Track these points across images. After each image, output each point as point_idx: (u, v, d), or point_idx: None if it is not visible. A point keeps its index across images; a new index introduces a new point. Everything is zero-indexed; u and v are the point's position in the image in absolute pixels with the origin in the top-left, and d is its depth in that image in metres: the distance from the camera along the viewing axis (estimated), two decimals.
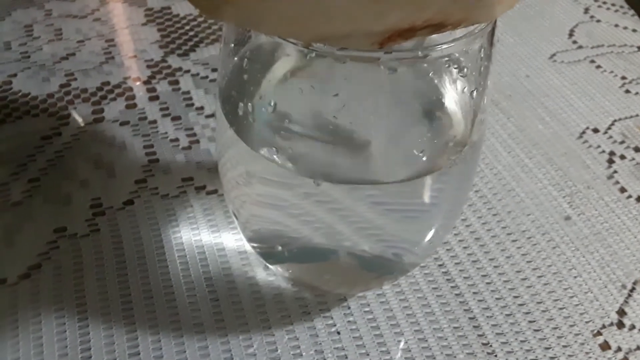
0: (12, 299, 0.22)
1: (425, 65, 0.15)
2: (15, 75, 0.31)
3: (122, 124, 0.29)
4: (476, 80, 0.16)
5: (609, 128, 0.31)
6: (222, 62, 0.17)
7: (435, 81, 0.16)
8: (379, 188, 0.17)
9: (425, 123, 0.18)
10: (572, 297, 0.23)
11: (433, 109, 0.18)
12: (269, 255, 0.21)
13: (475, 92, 0.16)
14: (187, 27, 0.35)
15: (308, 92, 0.15)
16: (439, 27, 0.13)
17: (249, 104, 0.16)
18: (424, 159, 0.16)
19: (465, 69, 0.16)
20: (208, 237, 0.24)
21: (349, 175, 0.16)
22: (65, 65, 0.32)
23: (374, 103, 0.16)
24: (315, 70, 0.15)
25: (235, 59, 0.17)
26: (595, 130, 0.31)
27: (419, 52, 0.13)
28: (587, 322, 0.23)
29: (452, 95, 0.17)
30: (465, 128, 0.17)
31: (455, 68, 0.16)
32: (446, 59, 0.16)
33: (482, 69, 0.16)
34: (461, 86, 0.16)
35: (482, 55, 0.16)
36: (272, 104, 0.15)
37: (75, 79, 0.31)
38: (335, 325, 0.22)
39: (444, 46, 0.14)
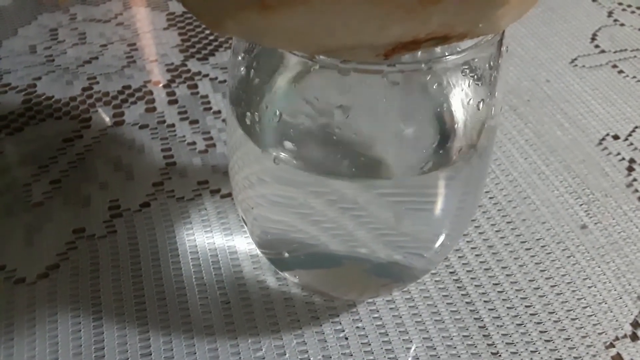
0: (30, 297, 0.23)
1: (432, 75, 0.15)
2: (39, 78, 0.32)
3: (142, 127, 0.30)
4: (485, 90, 0.16)
5: (630, 135, 0.30)
6: (231, 67, 0.17)
7: (443, 89, 0.16)
8: (387, 185, 0.17)
9: (432, 126, 0.18)
10: (585, 307, 0.23)
11: (440, 113, 0.17)
12: (277, 261, 0.22)
13: (482, 102, 0.16)
14: (207, 32, 0.35)
15: (313, 103, 0.16)
16: (443, 40, 0.13)
17: (255, 113, 0.16)
18: (432, 158, 0.16)
19: (472, 80, 0.16)
20: (221, 240, 0.25)
21: (357, 172, 0.16)
22: (88, 69, 0.33)
23: (380, 108, 0.16)
24: (321, 79, 0.16)
25: (243, 65, 0.17)
26: (616, 137, 0.30)
27: (423, 65, 0.13)
28: (599, 334, 0.22)
29: (460, 102, 0.17)
30: (474, 134, 0.17)
31: (463, 76, 0.16)
32: (455, 67, 0.16)
33: (491, 78, 0.16)
34: (469, 96, 0.16)
35: (490, 65, 0.16)
36: (277, 113, 0.16)
37: (98, 83, 0.32)
38: (343, 331, 0.22)
39: (449, 58, 0.14)
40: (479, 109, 0.16)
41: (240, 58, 0.17)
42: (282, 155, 0.16)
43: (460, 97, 0.16)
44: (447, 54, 0.14)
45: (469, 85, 0.16)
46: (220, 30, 0.12)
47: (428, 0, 0.10)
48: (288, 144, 0.16)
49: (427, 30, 0.13)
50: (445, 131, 0.17)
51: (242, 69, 0.17)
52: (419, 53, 0.16)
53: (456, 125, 0.17)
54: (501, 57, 0.16)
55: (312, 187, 0.17)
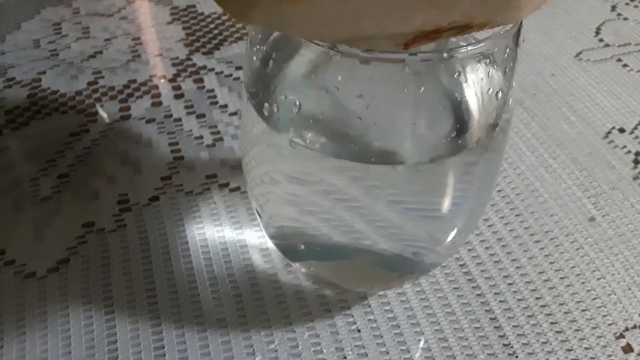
0: (41, 292, 0.23)
1: (451, 64, 0.15)
2: (44, 72, 0.32)
3: (148, 121, 0.29)
4: (502, 79, 0.16)
5: (636, 128, 0.30)
6: (248, 59, 0.17)
7: (461, 77, 0.16)
8: (404, 168, 0.17)
9: (450, 114, 0.18)
10: (595, 299, 0.23)
11: (458, 101, 0.17)
12: (290, 252, 0.22)
13: (500, 92, 0.16)
14: (212, 26, 0.35)
15: (333, 92, 0.16)
16: (464, 29, 0.13)
17: (274, 103, 0.16)
18: (447, 146, 0.16)
19: (491, 69, 0.16)
20: (231, 234, 0.25)
21: (375, 158, 0.16)
22: (92, 63, 0.32)
23: (399, 96, 0.16)
24: (340, 68, 0.15)
25: (259, 56, 0.17)
26: (622, 130, 0.30)
27: (444, 54, 0.13)
28: (609, 325, 0.22)
29: (477, 91, 0.17)
30: (489, 124, 0.17)
31: (481, 66, 0.16)
32: (474, 57, 0.16)
33: (507, 69, 0.16)
34: (486, 85, 0.16)
35: (507, 55, 0.16)
36: (297, 103, 0.16)
37: (103, 77, 0.32)
38: (355, 323, 0.22)
39: (469, 47, 0.14)
40: (497, 99, 0.16)
41: (256, 49, 0.17)
42: (301, 141, 0.16)
43: (479, 87, 0.16)
44: (466, 44, 0.14)
45: (488, 75, 0.16)
46: (245, 20, 0.12)
47: None
48: (307, 132, 0.16)
49: (449, 20, 0.13)
50: (462, 120, 0.17)
51: (258, 60, 0.17)
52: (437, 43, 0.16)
53: (473, 115, 0.17)
54: (518, 47, 0.16)
55: (328, 176, 0.17)
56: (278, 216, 0.20)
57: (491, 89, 0.16)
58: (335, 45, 0.14)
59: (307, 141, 0.16)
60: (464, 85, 0.16)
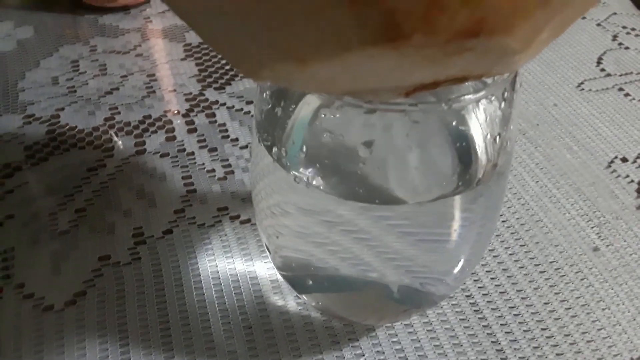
0: (59, 325, 0.23)
1: (450, 112, 0.16)
2: (62, 109, 0.33)
3: (163, 155, 0.31)
4: (500, 122, 0.17)
5: (638, 157, 0.31)
6: (257, 103, 0.18)
7: (461, 124, 0.17)
8: (408, 208, 0.18)
9: (450, 157, 0.18)
10: (600, 329, 0.24)
11: (458, 145, 0.18)
12: (298, 284, 0.22)
13: (498, 136, 0.17)
14: (223, 62, 0.37)
15: (337, 138, 0.16)
16: (461, 80, 0.14)
17: (282, 148, 0.17)
18: (449, 186, 0.17)
19: (489, 114, 0.17)
20: (241, 266, 0.26)
21: (379, 199, 0.17)
22: (109, 100, 0.34)
23: (401, 142, 0.17)
24: (344, 115, 0.16)
25: (268, 102, 0.18)
26: (624, 160, 0.31)
27: (442, 105, 0.14)
28: (615, 356, 0.23)
29: (477, 134, 0.18)
30: (489, 164, 0.18)
31: (480, 111, 0.17)
32: (472, 104, 0.16)
33: (504, 113, 0.17)
34: (486, 129, 0.17)
35: (505, 99, 0.17)
36: (304, 149, 0.16)
37: (119, 113, 0.33)
38: (363, 355, 0.23)
39: (467, 97, 0.15)
40: (495, 142, 0.17)
41: (265, 95, 0.18)
42: (307, 181, 0.17)
43: (478, 130, 0.17)
44: (464, 93, 0.15)
45: (485, 120, 0.16)
46: (255, 78, 0.13)
47: (453, 52, 0.11)
48: (313, 174, 0.17)
49: (447, 74, 0.14)
50: (463, 161, 0.17)
51: (267, 104, 0.18)
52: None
53: (473, 156, 0.17)
54: (515, 92, 0.17)
55: (337, 214, 0.18)
56: (285, 248, 0.21)
57: (490, 132, 0.17)
58: (339, 96, 0.14)
59: (314, 182, 0.17)
60: (464, 129, 0.17)
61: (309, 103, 0.17)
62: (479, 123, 0.17)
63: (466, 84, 0.17)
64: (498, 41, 0.10)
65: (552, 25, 0.11)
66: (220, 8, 0.11)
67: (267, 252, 0.23)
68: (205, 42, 0.13)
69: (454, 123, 0.17)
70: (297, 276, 0.22)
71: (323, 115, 0.17)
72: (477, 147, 0.17)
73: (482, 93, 0.15)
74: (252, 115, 0.33)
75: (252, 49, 0.12)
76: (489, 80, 0.15)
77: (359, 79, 0.13)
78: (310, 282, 0.21)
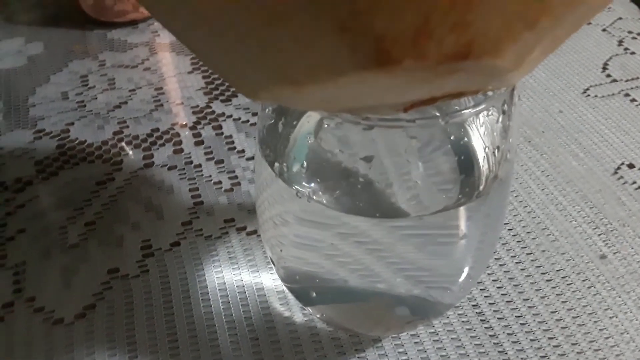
0: (69, 338, 0.24)
1: (449, 126, 0.16)
2: (72, 123, 0.34)
3: (170, 168, 0.31)
4: (500, 135, 0.17)
5: None
6: (260, 119, 0.19)
7: (460, 138, 0.17)
8: (410, 224, 0.18)
9: (450, 169, 0.19)
10: (607, 338, 0.23)
11: (458, 158, 0.18)
12: (303, 297, 0.22)
13: (497, 149, 0.17)
14: None
15: (337, 154, 0.17)
16: (458, 96, 0.14)
17: (284, 163, 0.17)
18: (450, 198, 0.17)
19: (488, 127, 0.17)
20: (248, 277, 0.26)
21: (381, 213, 0.17)
22: (118, 114, 0.34)
23: (400, 156, 0.17)
24: (343, 131, 0.17)
25: (270, 117, 0.18)
26: (631, 166, 0.31)
27: (441, 120, 0.14)
28: None
29: (476, 147, 0.18)
30: (490, 176, 0.18)
31: (478, 124, 0.17)
32: (470, 118, 0.17)
33: (503, 126, 0.17)
34: (485, 141, 0.17)
35: (504, 112, 0.17)
36: (304, 165, 0.17)
37: (128, 126, 0.33)
38: None
39: (465, 112, 0.15)
40: (495, 154, 0.17)
41: (267, 111, 0.18)
42: (308, 195, 0.17)
43: (477, 143, 0.17)
44: (463, 108, 0.15)
45: (484, 133, 0.17)
46: (255, 99, 0.13)
47: (445, 73, 0.11)
48: (314, 188, 0.17)
49: (443, 92, 0.14)
50: (463, 173, 0.18)
51: (268, 120, 0.18)
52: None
53: (473, 169, 0.18)
54: (514, 105, 0.17)
55: (339, 227, 0.18)
56: (288, 259, 0.21)
57: (490, 144, 0.17)
58: (337, 114, 0.15)
59: (314, 196, 0.17)
60: (464, 142, 0.17)
61: (310, 119, 0.17)
62: (479, 135, 0.17)
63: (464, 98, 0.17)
64: (487, 63, 0.10)
65: (543, 45, 0.11)
66: (216, 30, 0.11)
67: (272, 264, 0.23)
68: (205, 65, 0.13)
69: (453, 137, 0.17)
70: (301, 287, 0.22)
71: (324, 130, 0.17)
72: (478, 159, 0.17)
73: (480, 107, 0.15)
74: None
75: (249, 72, 0.12)
76: (487, 94, 0.16)
77: (355, 98, 0.13)
78: (314, 294, 0.21)
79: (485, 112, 0.17)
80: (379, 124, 0.14)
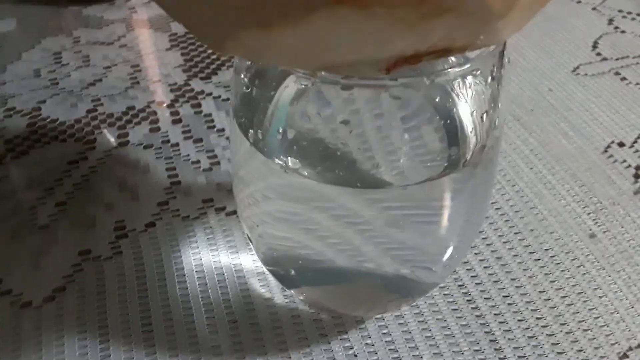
0: (36, 321, 0.23)
1: (435, 87, 0.15)
2: (44, 101, 0.32)
3: (146, 147, 0.30)
4: (488, 101, 0.16)
5: (635, 142, 0.30)
6: (233, 85, 0.18)
7: (446, 100, 0.16)
8: (393, 194, 0.17)
9: (436, 136, 0.18)
10: (597, 317, 0.23)
11: (444, 123, 0.17)
12: (284, 278, 0.21)
13: (485, 114, 0.16)
14: (209, 51, 0.36)
15: (315, 119, 0.16)
16: (444, 53, 0.13)
17: (259, 130, 0.16)
18: (435, 167, 0.16)
19: (476, 90, 0.16)
20: (227, 259, 0.25)
21: (362, 182, 0.16)
22: (92, 91, 0.33)
23: (382, 121, 0.16)
24: (322, 94, 0.16)
25: (244, 83, 0.17)
26: (621, 144, 0.30)
27: (425, 79, 0.13)
28: (613, 344, 0.22)
29: (463, 112, 0.17)
30: (478, 144, 0.17)
31: (466, 87, 0.16)
32: (457, 79, 0.16)
33: (492, 90, 0.16)
34: (472, 106, 0.16)
35: (493, 77, 0.16)
36: (280, 130, 0.16)
37: (102, 104, 0.32)
38: (352, 348, 0.22)
39: (451, 71, 0.14)
40: (482, 120, 0.16)
41: (242, 76, 0.17)
42: (286, 166, 0.16)
43: (463, 108, 0.16)
44: (448, 67, 0.14)
45: (471, 97, 0.16)
46: (221, 51, 0.12)
47: (429, 14, 0.10)
48: (292, 158, 0.16)
49: (428, 44, 0.13)
50: (449, 141, 0.17)
51: (243, 87, 0.17)
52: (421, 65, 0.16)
53: (460, 136, 0.17)
54: (503, 68, 0.16)
55: (319, 199, 0.17)
56: (266, 237, 0.20)
57: (477, 110, 0.16)
58: (315, 73, 0.14)
59: (292, 166, 0.16)
60: (450, 105, 0.16)
61: (285, 84, 0.16)
62: (465, 100, 0.16)
63: (450, 59, 0.16)
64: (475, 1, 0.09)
65: None
66: None
67: (250, 244, 0.22)
68: (168, 14, 0.12)
69: (438, 99, 0.16)
70: (281, 268, 0.21)
71: (302, 97, 0.16)
72: (465, 126, 0.16)
73: (466, 66, 0.14)
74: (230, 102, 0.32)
75: (215, 14, 0.11)
76: (473, 55, 0.15)
77: (332, 49, 0.12)
78: (294, 273, 0.20)
79: (472, 76, 0.16)
80: (359, 82, 0.13)
